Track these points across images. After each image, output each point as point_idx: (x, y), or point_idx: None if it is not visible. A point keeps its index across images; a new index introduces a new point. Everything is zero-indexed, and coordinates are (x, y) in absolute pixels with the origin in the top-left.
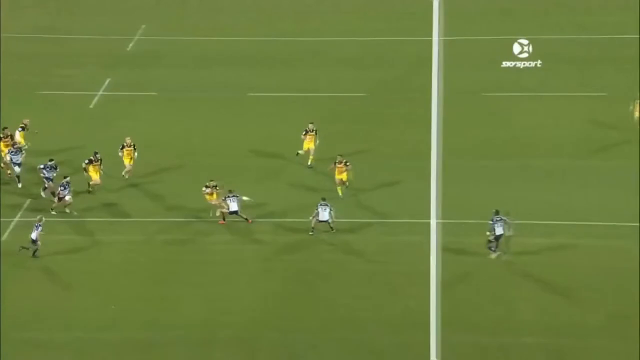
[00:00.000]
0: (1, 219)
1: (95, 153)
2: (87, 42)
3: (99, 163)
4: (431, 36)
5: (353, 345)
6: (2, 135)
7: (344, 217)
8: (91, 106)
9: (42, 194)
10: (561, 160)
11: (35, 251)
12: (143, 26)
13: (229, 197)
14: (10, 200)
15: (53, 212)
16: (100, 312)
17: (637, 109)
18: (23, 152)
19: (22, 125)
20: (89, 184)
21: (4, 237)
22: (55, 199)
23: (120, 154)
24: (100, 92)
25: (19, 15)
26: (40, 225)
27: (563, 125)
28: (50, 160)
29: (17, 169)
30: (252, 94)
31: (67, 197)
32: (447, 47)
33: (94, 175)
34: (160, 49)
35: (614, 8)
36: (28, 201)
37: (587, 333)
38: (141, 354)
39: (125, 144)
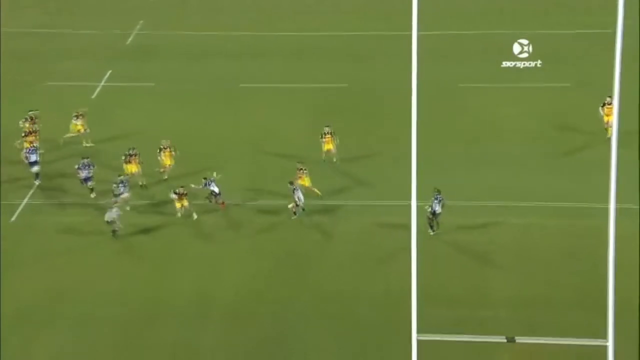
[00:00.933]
0: (1, 202)
1: (132, 149)
2: (89, 37)
3: (136, 156)
4: (432, 31)
5: (342, 320)
6: (31, 130)
7: (328, 200)
8: (93, 96)
9: (92, 194)
10: (542, 149)
11: (114, 232)
12: (141, 21)
13: (206, 183)
14: (17, 184)
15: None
16: (100, 289)
17: (605, 113)
18: (39, 149)
19: (77, 114)
20: (140, 184)
21: (14, 218)
22: (114, 199)
23: (161, 155)
24: (102, 83)
25: (19, 15)
26: (113, 207)
27: (550, 119)
28: (85, 157)
29: (35, 168)
30: (250, 85)
31: (126, 194)
32: (447, 46)
33: (136, 168)
34: (157, 43)
35: (614, 8)
36: (36, 184)
37: (559, 307)
38: (140, 329)
39: (162, 146)
